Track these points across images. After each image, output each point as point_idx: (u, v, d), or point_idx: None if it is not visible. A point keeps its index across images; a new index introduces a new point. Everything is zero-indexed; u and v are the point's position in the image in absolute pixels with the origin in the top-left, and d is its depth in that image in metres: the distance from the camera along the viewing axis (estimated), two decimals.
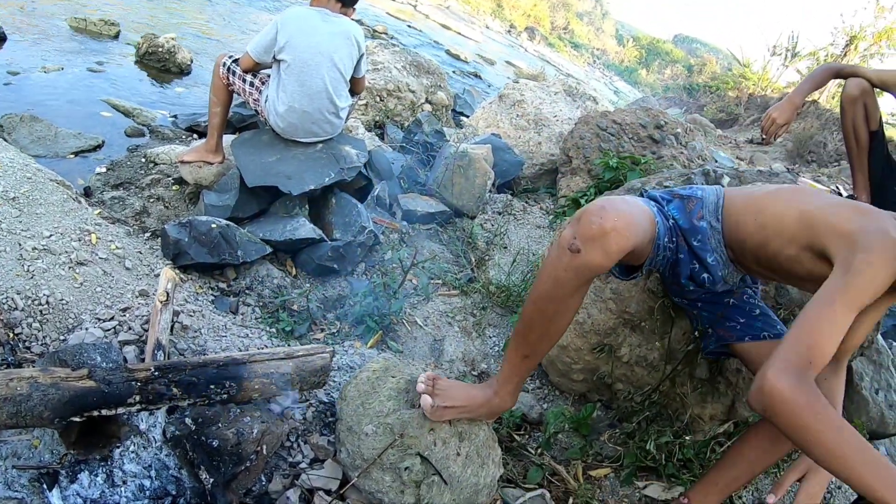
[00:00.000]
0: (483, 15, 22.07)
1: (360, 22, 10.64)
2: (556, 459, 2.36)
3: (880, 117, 3.37)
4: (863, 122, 3.32)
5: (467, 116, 6.26)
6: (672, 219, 1.85)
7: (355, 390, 1.91)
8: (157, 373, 1.77)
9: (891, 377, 3.28)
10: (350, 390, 1.93)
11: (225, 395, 1.86)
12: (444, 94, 6.05)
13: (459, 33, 16.00)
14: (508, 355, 1.79)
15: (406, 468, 1.78)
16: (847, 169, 6.77)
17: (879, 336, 3.46)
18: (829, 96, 13.33)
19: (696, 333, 2.13)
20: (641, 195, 1.96)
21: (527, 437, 2.45)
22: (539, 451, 2.35)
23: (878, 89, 3.30)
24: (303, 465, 1.98)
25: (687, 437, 2.45)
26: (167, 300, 2.21)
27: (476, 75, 10.97)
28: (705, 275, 1.90)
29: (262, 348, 2.45)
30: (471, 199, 4.05)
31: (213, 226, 2.90)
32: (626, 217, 1.53)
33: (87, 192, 3.47)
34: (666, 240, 1.78)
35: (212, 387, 1.82)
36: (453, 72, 10.25)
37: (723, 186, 2.10)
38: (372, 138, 4.71)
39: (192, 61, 6.09)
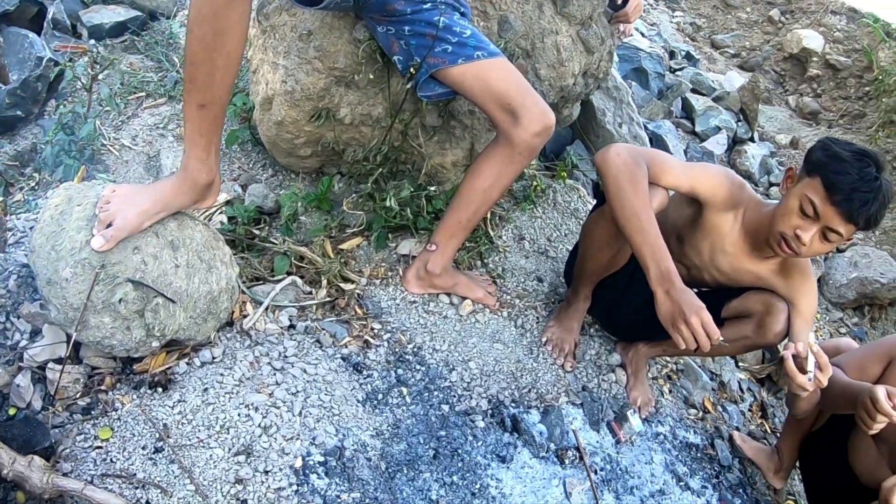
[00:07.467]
0: None
1: None
2: (302, 242, 2.22)
3: None
4: None
5: None
6: None
7: (41, 235, 1.59)
8: None
9: (632, 111, 3.41)
10: (37, 238, 1.59)
11: None
12: None
13: None
14: (185, 112, 1.53)
15: (120, 300, 1.56)
16: None
17: (616, 73, 3.53)
18: None
19: (409, 73, 1.96)
20: None
21: (267, 228, 2.27)
22: (282, 240, 2.19)
23: None
24: (23, 344, 1.71)
25: (433, 188, 2.38)
26: None
27: None
28: None
29: None
30: None
31: None
32: None
33: None
34: None
35: None
36: None
37: None
38: None
39: None
